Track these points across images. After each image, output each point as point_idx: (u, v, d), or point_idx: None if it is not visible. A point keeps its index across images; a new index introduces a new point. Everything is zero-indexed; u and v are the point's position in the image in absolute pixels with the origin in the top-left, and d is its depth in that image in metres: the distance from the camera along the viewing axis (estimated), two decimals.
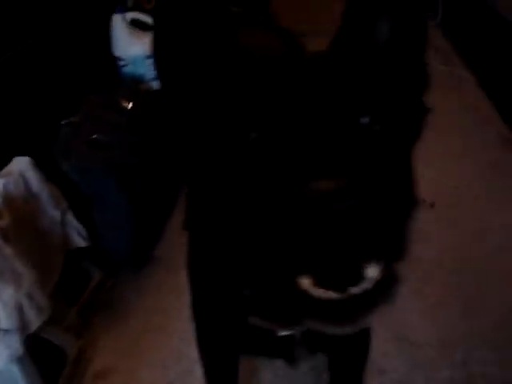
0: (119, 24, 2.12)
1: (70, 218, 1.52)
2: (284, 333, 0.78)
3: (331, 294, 0.50)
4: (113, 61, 2.17)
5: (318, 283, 0.51)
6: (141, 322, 1.64)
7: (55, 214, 1.47)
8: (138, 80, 2.14)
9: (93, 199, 1.65)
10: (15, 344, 1.21)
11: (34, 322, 1.28)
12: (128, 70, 2.15)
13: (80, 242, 1.55)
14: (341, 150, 0.49)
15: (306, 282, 0.51)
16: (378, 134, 0.57)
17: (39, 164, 1.45)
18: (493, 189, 2.03)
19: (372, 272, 0.51)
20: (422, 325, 1.52)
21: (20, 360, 1.27)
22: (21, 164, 1.42)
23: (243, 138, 0.56)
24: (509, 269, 1.66)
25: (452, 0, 3.56)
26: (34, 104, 1.68)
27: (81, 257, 1.65)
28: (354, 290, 0.50)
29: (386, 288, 0.53)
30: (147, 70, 2.15)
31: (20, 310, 1.24)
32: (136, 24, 2.16)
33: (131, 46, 2.14)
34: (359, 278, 0.50)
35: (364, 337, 1.12)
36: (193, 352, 1.20)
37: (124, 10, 2.13)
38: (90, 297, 1.69)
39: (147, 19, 2.17)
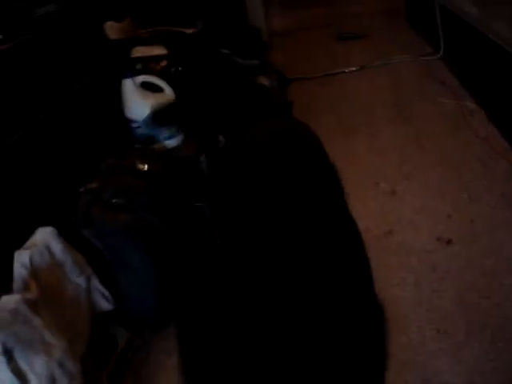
0: (130, 87, 2.20)
1: (95, 283, 1.55)
2: None
3: None
4: (125, 123, 2.23)
5: None
6: (171, 383, 1.65)
7: (80, 280, 1.51)
8: (150, 141, 2.20)
9: (115, 262, 1.69)
10: None
11: None
12: (140, 131, 2.21)
13: (106, 305, 1.58)
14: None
15: None
16: None
17: (61, 232, 1.50)
18: (508, 221, 2.03)
19: None
20: (448, 365, 1.51)
21: None
22: (44, 234, 1.46)
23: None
24: None
25: (452, 33, 3.61)
26: (52, 174, 1.74)
27: (107, 320, 1.67)
28: None
29: None
30: (159, 130, 2.21)
31: (52, 378, 1.27)
32: (146, 86, 2.24)
33: (143, 107, 2.20)
34: None
35: None
36: None
37: (133, 74, 2.20)
38: (118, 359, 1.71)
39: (156, 81, 2.25)
